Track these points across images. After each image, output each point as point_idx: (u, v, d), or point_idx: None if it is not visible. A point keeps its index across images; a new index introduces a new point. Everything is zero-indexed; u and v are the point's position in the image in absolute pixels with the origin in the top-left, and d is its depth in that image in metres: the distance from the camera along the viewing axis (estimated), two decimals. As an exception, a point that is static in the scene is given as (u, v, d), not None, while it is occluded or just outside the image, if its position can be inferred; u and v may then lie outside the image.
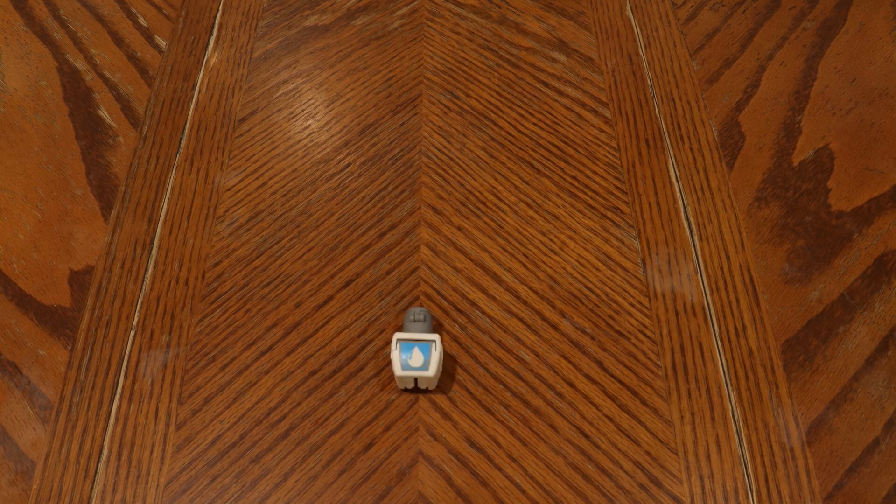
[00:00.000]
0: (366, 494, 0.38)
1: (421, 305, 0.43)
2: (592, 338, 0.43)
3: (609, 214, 0.49)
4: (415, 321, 0.41)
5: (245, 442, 0.39)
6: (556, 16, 0.63)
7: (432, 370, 0.39)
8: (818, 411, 0.40)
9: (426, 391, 0.40)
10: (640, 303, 0.45)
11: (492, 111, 0.56)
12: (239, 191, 0.51)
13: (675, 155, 0.53)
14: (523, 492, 0.38)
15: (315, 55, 0.60)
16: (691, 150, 0.53)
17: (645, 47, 0.60)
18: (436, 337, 0.40)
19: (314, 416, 0.40)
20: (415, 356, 0.39)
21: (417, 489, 0.38)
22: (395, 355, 0.39)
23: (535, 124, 0.55)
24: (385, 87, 0.57)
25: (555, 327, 0.44)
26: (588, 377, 0.42)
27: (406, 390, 0.41)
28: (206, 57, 0.60)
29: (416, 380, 0.39)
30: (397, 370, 0.39)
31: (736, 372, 0.42)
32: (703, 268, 0.46)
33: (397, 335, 0.40)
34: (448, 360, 0.42)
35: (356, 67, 0.59)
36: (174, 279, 0.46)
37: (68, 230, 0.48)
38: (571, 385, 0.41)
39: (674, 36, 0.61)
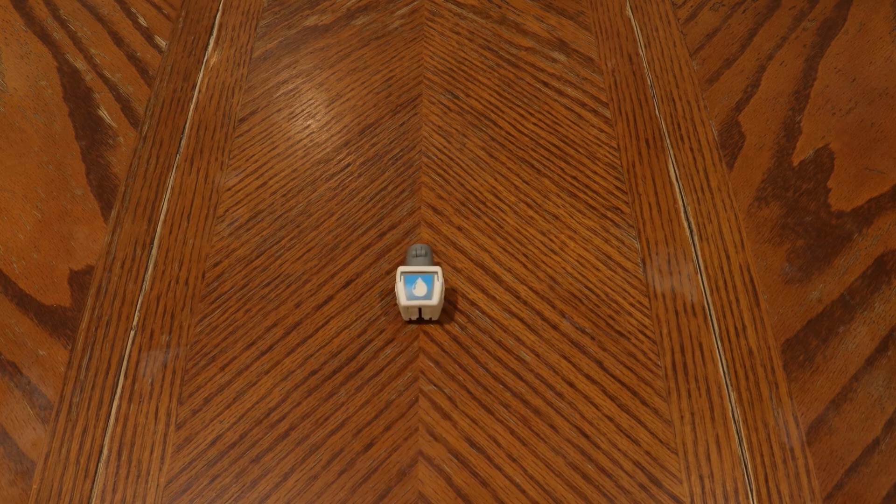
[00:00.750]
0: (366, 494, 0.38)
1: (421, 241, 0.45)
2: (592, 338, 0.43)
3: (609, 214, 0.49)
4: (416, 256, 0.43)
5: (245, 442, 0.39)
6: (556, 16, 0.63)
7: (436, 299, 0.41)
8: (818, 411, 0.40)
9: (430, 321, 0.41)
10: (640, 303, 0.45)
11: (492, 111, 0.56)
12: (239, 191, 0.51)
13: (675, 155, 0.53)
14: (523, 492, 0.38)
15: (315, 55, 0.60)
16: (691, 150, 0.53)
17: (645, 47, 0.60)
18: (437, 269, 0.42)
19: (314, 416, 0.40)
20: (418, 287, 0.41)
21: (417, 489, 0.38)
22: (400, 287, 0.41)
23: (535, 124, 0.55)
24: (385, 87, 0.57)
25: (555, 327, 0.44)
26: (588, 377, 0.42)
27: (410, 322, 0.42)
28: (206, 57, 0.60)
29: (419, 310, 0.41)
30: (402, 301, 0.41)
31: (736, 372, 0.42)
32: (703, 268, 0.46)
33: (401, 269, 0.42)
34: (447, 359, 0.42)
35: (356, 67, 0.59)
36: (174, 279, 0.46)
37: (68, 230, 0.48)
38: (571, 385, 0.41)
39: (674, 36, 0.61)
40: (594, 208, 0.50)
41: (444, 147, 0.53)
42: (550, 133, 0.54)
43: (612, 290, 0.45)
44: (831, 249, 0.46)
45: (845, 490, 0.37)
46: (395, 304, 0.45)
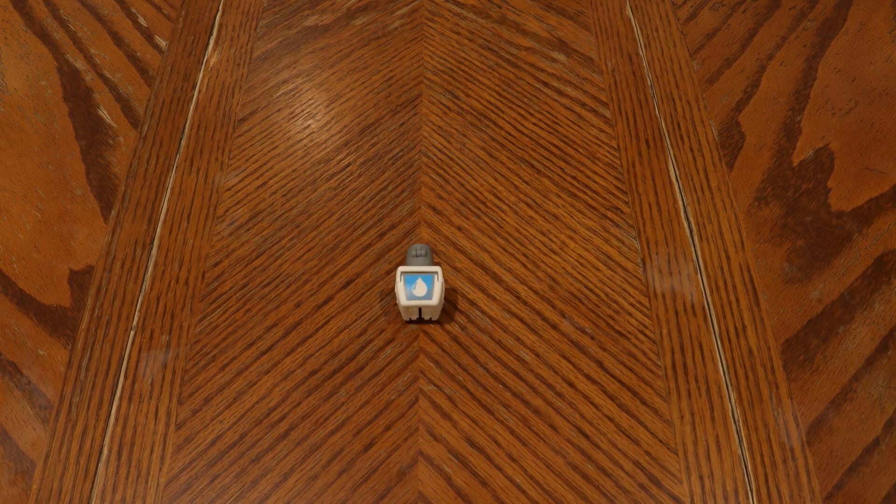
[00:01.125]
0: (366, 494, 0.38)
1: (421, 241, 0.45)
2: (592, 338, 0.43)
3: (609, 214, 0.49)
4: (416, 256, 0.43)
5: (245, 442, 0.39)
6: (556, 16, 0.63)
7: (435, 298, 0.41)
8: (818, 411, 0.40)
9: (430, 321, 0.42)
10: (640, 303, 0.45)
11: (492, 111, 0.56)
12: (239, 191, 0.51)
13: (675, 155, 0.53)
14: (523, 492, 0.38)
15: (315, 55, 0.60)
16: (691, 150, 0.53)
17: (645, 47, 0.60)
18: (437, 269, 0.42)
19: (314, 416, 0.40)
20: (418, 287, 0.41)
21: (417, 489, 0.38)
22: (400, 287, 0.41)
23: (535, 124, 0.55)
24: (385, 87, 0.57)
25: (555, 327, 0.44)
26: (588, 377, 0.42)
27: (410, 322, 0.42)
28: (206, 57, 0.60)
29: (419, 310, 0.41)
30: (402, 301, 0.41)
31: (736, 372, 0.42)
32: (703, 268, 0.46)
33: (401, 269, 0.42)
34: (447, 359, 0.42)
35: (356, 67, 0.59)
36: (174, 279, 0.46)
37: (68, 230, 0.48)
38: (571, 385, 0.41)
39: (674, 36, 0.61)
40: (594, 208, 0.50)
41: (444, 147, 0.53)
42: (550, 133, 0.54)
43: (612, 290, 0.45)
44: (831, 249, 0.46)
45: (845, 490, 0.37)
46: (395, 304, 0.45)
